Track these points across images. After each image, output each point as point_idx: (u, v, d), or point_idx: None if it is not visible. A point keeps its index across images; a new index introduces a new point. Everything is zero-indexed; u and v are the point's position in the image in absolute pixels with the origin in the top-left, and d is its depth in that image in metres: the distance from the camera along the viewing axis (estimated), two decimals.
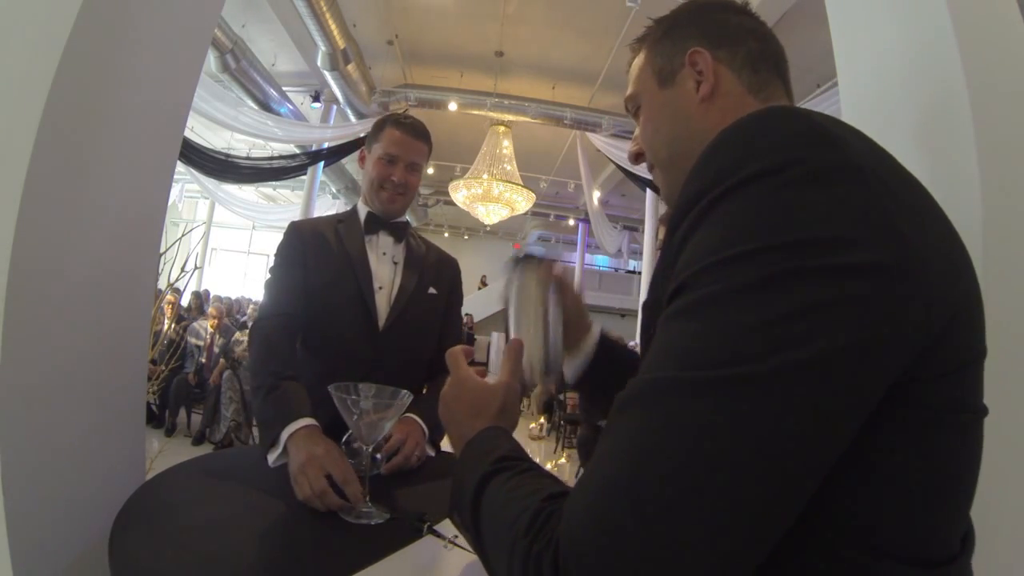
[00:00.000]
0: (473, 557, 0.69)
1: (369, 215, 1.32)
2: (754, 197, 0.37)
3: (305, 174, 8.09)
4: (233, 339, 4.86)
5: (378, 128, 1.31)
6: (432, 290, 1.33)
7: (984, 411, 0.42)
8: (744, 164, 0.39)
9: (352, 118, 7.89)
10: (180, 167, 6.50)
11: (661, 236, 1.43)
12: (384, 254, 1.31)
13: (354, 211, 1.35)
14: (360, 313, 1.22)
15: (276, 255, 1.26)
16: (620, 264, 16.46)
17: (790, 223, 0.36)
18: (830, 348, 0.33)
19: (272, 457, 0.94)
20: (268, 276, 1.24)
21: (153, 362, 3.33)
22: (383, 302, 1.26)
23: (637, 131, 0.66)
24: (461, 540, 0.73)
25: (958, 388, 0.40)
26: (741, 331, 0.34)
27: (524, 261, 0.71)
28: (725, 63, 0.58)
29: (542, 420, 7.08)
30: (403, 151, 1.28)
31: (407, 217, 1.40)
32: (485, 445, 0.53)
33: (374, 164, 1.29)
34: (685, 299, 0.38)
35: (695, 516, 0.31)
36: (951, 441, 0.39)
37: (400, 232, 1.34)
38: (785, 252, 0.35)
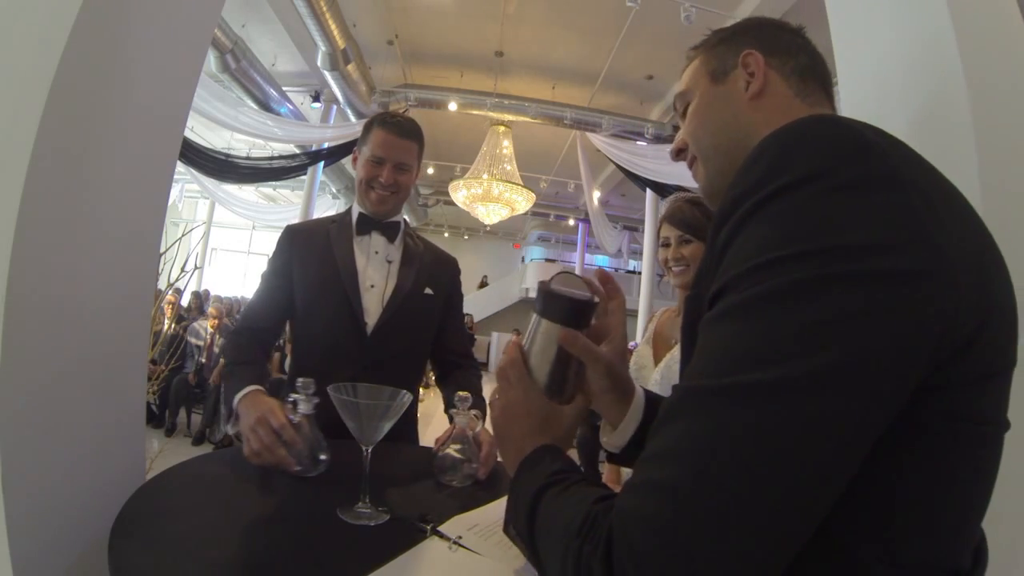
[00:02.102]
0: (479, 558, 0.69)
1: (361, 215, 1.32)
2: (793, 203, 0.39)
3: (305, 174, 8.09)
4: None
5: (367, 128, 1.31)
6: (428, 290, 1.33)
7: (1006, 425, 0.42)
8: (785, 170, 0.40)
9: (352, 118, 7.89)
10: (180, 167, 6.50)
11: (664, 234, 1.42)
12: (376, 253, 1.31)
13: (348, 211, 1.36)
14: (346, 313, 1.24)
15: (267, 262, 1.32)
16: (620, 264, 16.46)
17: (826, 229, 0.37)
18: (863, 352, 0.34)
19: (229, 426, 1.05)
20: (260, 281, 1.31)
21: (153, 362, 3.33)
22: (374, 302, 1.27)
23: (682, 130, 0.67)
24: (466, 540, 0.72)
25: (981, 399, 0.40)
26: (777, 336, 0.36)
27: (550, 306, 0.58)
28: (776, 68, 0.60)
29: None
30: (390, 152, 1.27)
31: (405, 217, 1.40)
32: (541, 462, 0.55)
33: (363, 165, 1.29)
34: (725, 303, 0.39)
35: (739, 517, 0.33)
36: (969, 453, 0.40)
37: (393, 232, 1.34)
38: (820, 258, 0.36)
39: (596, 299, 0.61)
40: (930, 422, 0.38)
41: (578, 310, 0.58)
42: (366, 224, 1.32)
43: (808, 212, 0.38)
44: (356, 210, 1.34)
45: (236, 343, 1.24)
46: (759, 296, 0.37)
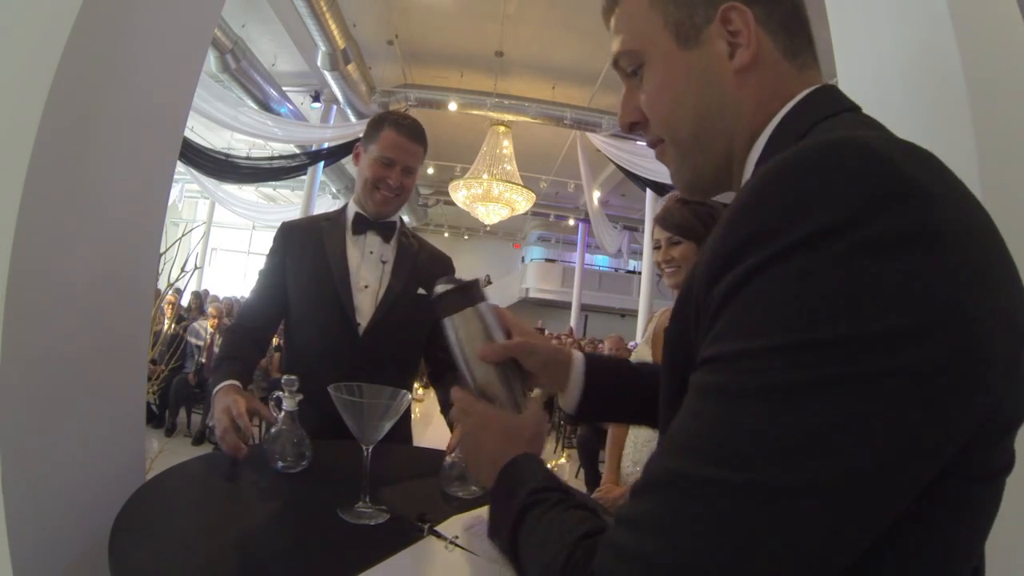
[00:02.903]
0: (475, 558, 0.69)
1: (358, 215, 1.31)
2: (812, 265, 0.32)
3: (305, 174, 8.10)
4: None
5: (375, 127, 1.28)
6: (421, 290, 1.32)
7: (1013, 462, 0.39)
8: (805, 215, 0.33)
9: (352, 118, 7.89)
10: (180, 167, 6.50)
11: (656, 237, 1.43)
12: (371, 253, 1.30)
13: (343, 209, 1.35)
14: (337, 312, 1.24)
15: (265, 259, 1.33)
16: (620, 264, 16.46)
17: (849, 308, 0.31)
18: (878, 461, 0.31)
19: (209, 418, 1.07)
20: (257, 277, 1.33)
21: (153, 362, 3.33)
22: (367, 302, 1.26)
23: (641, 98, 0.52)
24: (462, 540, 0.73)
25: (998, 452, 0.37)
26: (779, 435, 0.31)
27: (452, 301, 0.62)
28: (763, 24, 0.47)
29: None
30: (400, 155, 1.25)
31: (403, 216, 1.40)
32: (520, 474, 0.53)
33: (370, 165, 1.26)
34: (723, 378, 0.35)
35: None
36: (978, 504, 0.37)
37: (389, 232, 1.33)
38: (840, 349, 0.31)
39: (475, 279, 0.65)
40: (939, 485, 0.35)
41: (470, 287, 0.63)
42: (362, 224, 1.31)
43: (829, 281, 0.32)
44: (352, 209, 1.33)
45: (229, 339, 1.27)
46: (763, 386, 0.32)
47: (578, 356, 0.70)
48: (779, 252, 0.33)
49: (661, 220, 1.39)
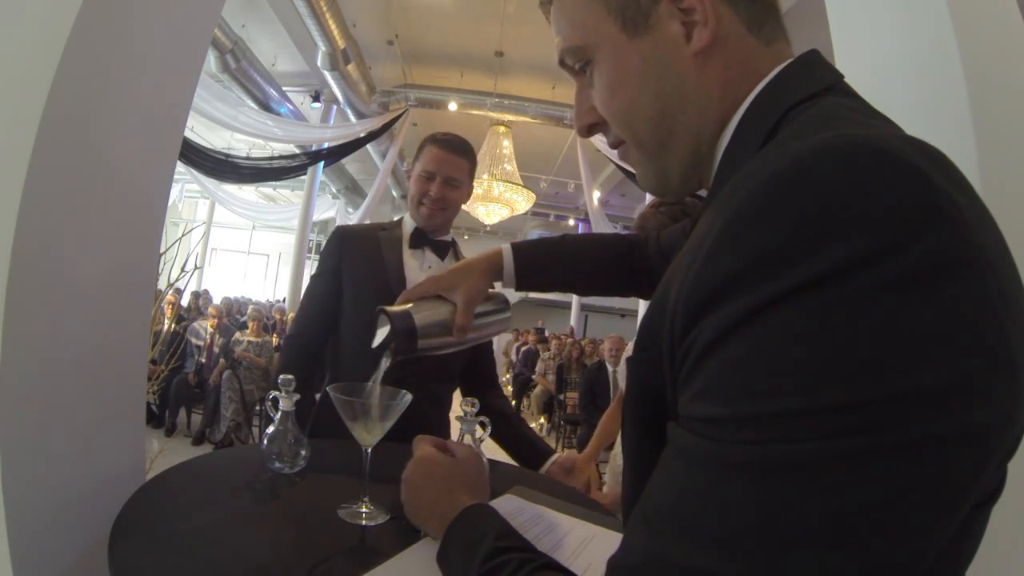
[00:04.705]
0: None
1: (416, 230, 1.36)
2: (829, 309, 0.26)
3: (305, 174, 8.10)
4: (233, 339, 4.85)
5: (420, 147, 1.37)
6: None
7: (1003, 485, 0.36)
8: (818, 246, 0.26)
9: (352, 118, 7.89)
10: (180, 167, 6.50)
11: None
12: (429, 268, 1.35)
13: (399, 222, 1.40)
14: None
15: (317, 263, 1.37)
16: None
17: (879, 362, 0.25)
18: (910, 540, 0.26)
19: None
20: (309, 282, 1.37)
21: (153, 362, 3.32)
22: None
23: (592, 97, 0.47)
24: None
25: (996, 477, 0.33)
26: (791, 518, 0.26)
27: (407, 345, 0.72)
28: None
29: (542, 420, 7.08)
30: (440, 167, 1.33)
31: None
32: (471, 530, 0.51)
33: (415, 181, 1.35)
34: (716, 446, 0.28)
35: None
36: (970, 527, 0.34)
37: (444, 249, 1.38)
38: (870, 416, 0.25)
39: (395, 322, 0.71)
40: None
41: (401, 326, 0.70)
42: (420, 238, 1.36)
43: (852, 328, 0.25)
44: (409, 223, 1.38)
45: (291, 361, 1.30)
46: (772, 460, 0.26)
47: (506, 247, 0.80)
48: (785, 291, 0.27)
49: (638, 228, 1.43)
